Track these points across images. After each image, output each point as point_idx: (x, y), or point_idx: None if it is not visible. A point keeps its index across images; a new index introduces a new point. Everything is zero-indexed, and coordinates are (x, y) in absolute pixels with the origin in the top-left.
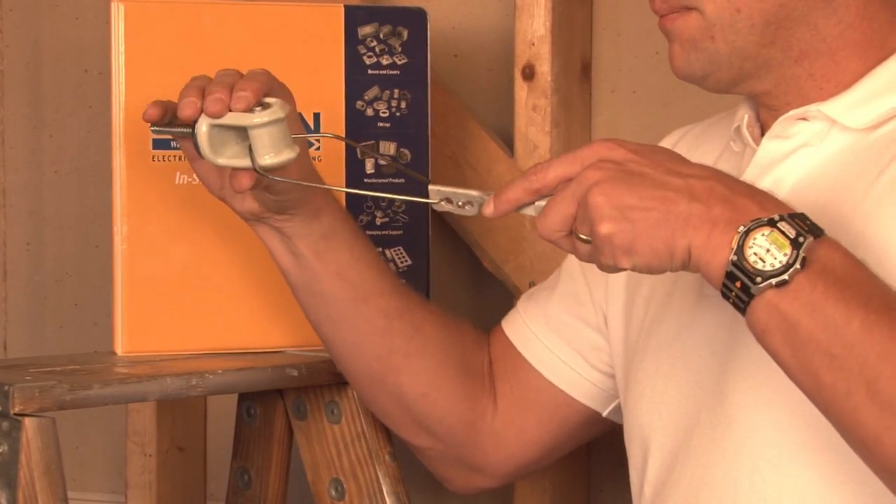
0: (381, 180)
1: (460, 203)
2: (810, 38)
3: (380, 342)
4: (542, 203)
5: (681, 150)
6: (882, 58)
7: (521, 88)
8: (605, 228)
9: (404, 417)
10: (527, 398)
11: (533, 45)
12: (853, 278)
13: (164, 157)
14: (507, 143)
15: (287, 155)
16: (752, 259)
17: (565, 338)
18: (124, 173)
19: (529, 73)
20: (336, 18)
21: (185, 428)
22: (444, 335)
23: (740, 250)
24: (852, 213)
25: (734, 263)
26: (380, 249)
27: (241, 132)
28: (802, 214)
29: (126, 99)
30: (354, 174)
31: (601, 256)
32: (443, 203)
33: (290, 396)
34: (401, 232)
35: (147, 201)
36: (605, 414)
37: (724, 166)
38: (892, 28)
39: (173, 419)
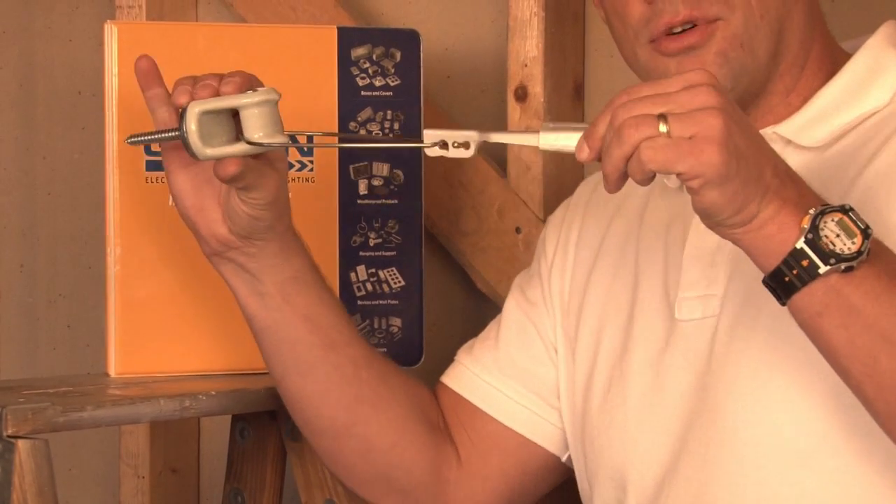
0: (374, 201)
1: (456, 144)
2: (797, 48)
3: (347, 391)
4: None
5: (601, 193)
6: (832, 72)
7: (513, 109)
8: (717, 153)
9: (371, 472)
10: (486, 444)
11: (525, 66)
12: None
13: (157, 178)
14: (500, 163)
15: (279, 139)
16: (825, 240)
17: (522, 381)
18: (117, 195)
19: (522, 94)
20: (329, 40)
21: (178, 449)
22: (406, 386)
23: (815, 230)
24: None
25: (808, 241)
26: (373, 270)
27: (230, 127)
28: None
29: (119, 121)
30: (348, 194)
31: (690, 181)
32: (436, 147)
33: (283, 418)
34: (394, 253)
35: (140, 223)
36: (563, 459)
37: (661, 203)
38: (835, 43)
39: (166, 441)
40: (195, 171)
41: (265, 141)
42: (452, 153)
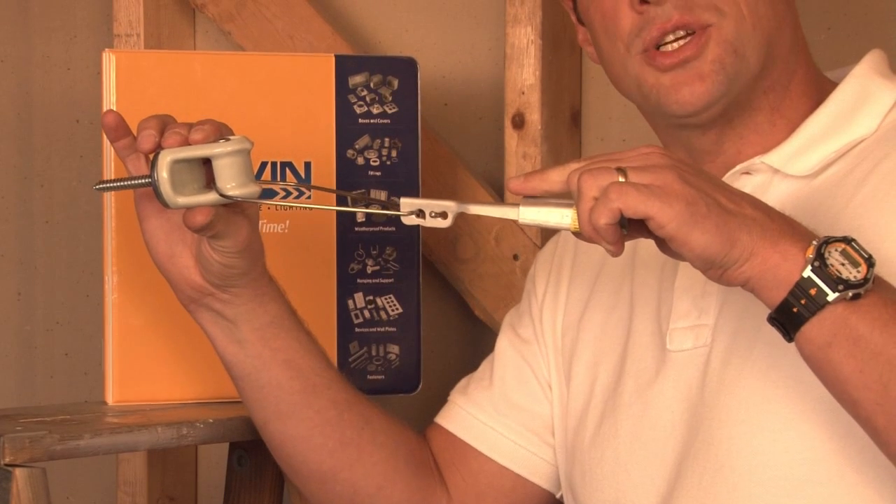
0: (372, 228)
1: (433, 214)
2: (782, 66)
3: (331, 434)
4: (569, 212)
5: None
6: (818, 100)
7: (511, 137)
8: (679, 188)
9: None
10: (481, 484)
11: (523, 93)
12: None
13: None
14: (498, 191)
15: (252, 188)
16: (831, 268)
17: (517, 419)
18: (115, 223)
19: (519, 122)
20: (327, 68)
21: (175, 477)
22: (391, 428)
23: (821, 258)
24: None
25: (815, 270)
26: (371, 297)
27: (200, 175)
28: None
29: None
30: (345, 221)
31: (664, 226)
32: (413, 216)
33: None
34: (392, 280)
35: (138, 251)
36: (558, 495)
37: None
38: (820, 72)
39: (164, 468)
40: (166, 217)
41: (237, 193)
42: (429, 223)
